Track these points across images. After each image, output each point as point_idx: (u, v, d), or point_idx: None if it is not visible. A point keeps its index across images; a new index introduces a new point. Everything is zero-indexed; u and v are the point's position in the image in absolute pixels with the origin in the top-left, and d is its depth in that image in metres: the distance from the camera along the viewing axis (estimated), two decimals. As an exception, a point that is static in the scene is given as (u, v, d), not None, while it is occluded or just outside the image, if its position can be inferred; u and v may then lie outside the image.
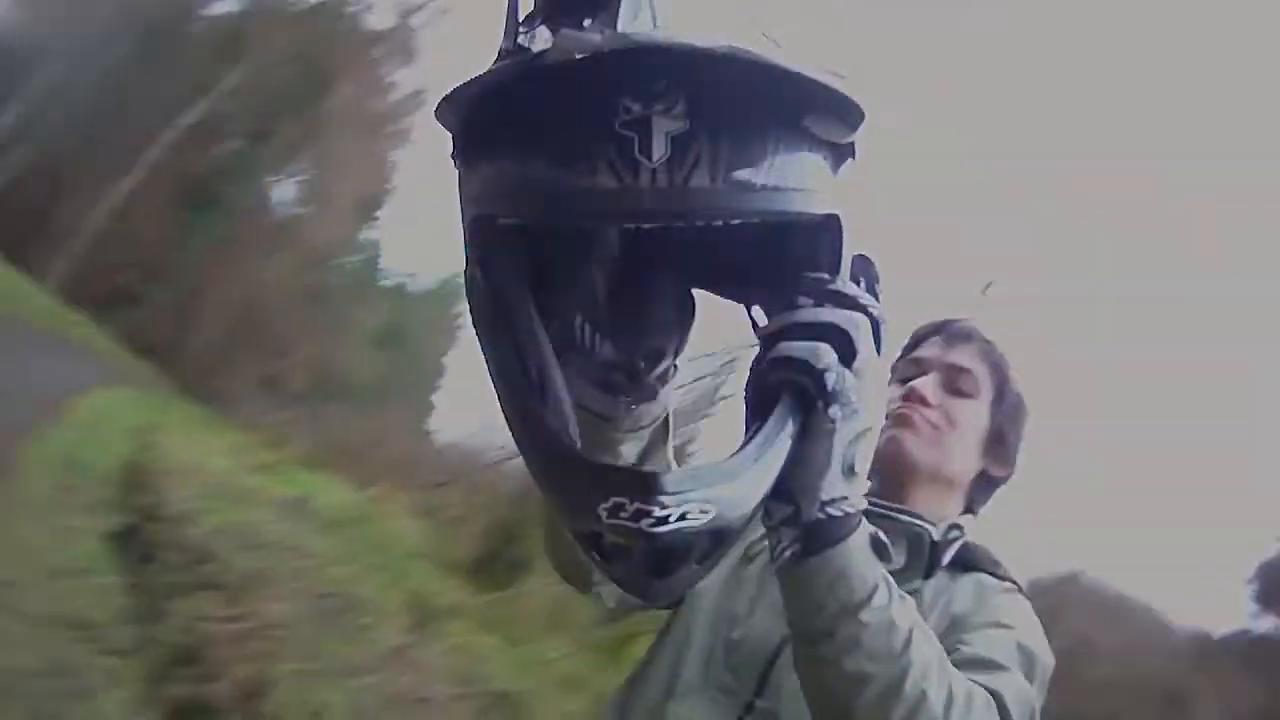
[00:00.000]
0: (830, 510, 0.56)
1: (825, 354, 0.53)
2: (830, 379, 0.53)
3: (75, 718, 2.19)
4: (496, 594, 6.69)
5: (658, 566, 0.52)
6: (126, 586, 3.02)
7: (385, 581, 4.90)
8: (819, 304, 0.55)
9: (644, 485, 0.49)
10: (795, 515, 0.56)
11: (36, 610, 2.48)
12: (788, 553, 0.57)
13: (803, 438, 0.54)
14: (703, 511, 0.49)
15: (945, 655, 0.64)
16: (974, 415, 0.87)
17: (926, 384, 0.86)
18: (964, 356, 0.89)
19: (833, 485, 0.56)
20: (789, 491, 0.55)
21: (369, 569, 4.94)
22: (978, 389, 0.88)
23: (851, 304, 0.55)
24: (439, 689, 3.54)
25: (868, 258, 0.59)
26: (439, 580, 6.31)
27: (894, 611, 0.59)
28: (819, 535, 0.57)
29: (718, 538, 0.52)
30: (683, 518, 0.48)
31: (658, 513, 0.48)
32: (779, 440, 0.53)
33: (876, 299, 0.56)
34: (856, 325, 0.54)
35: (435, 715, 3.37)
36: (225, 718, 2.51)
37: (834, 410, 0.54)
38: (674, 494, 0.48)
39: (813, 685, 0.62)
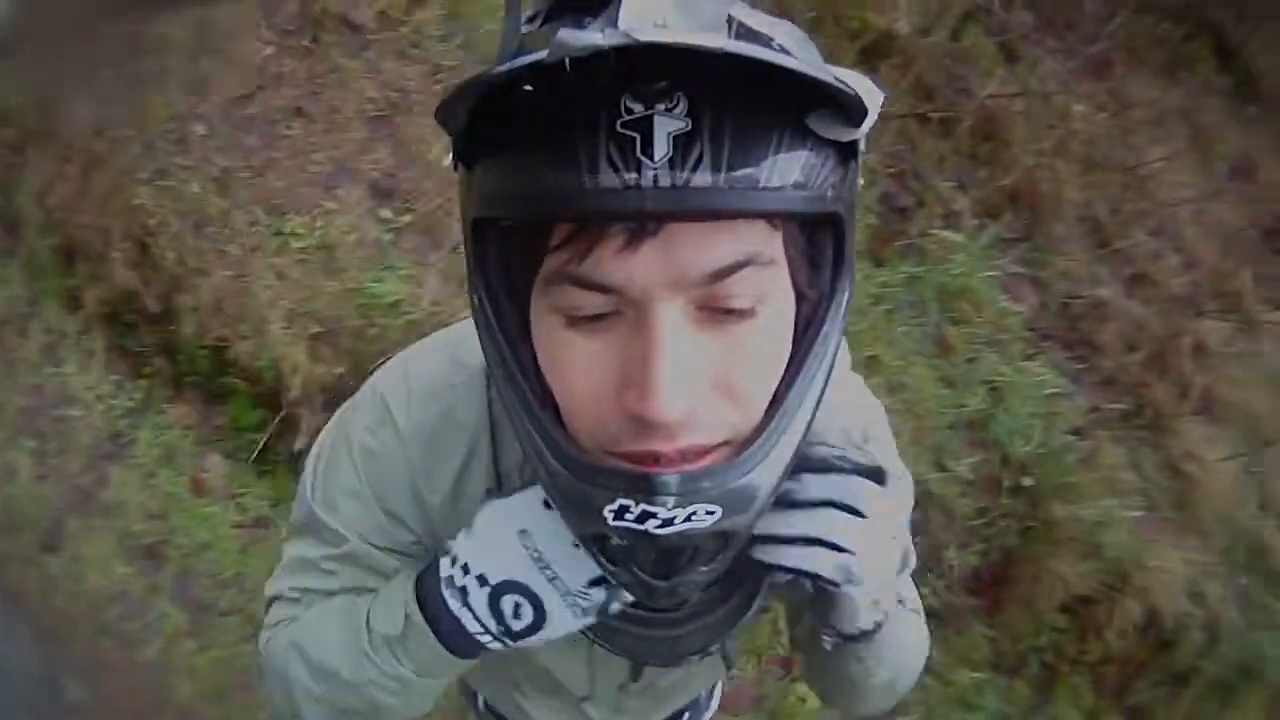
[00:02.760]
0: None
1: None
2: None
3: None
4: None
5: (663, 569, 0.52)
6: None
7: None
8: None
9: (649, 486, 0.47)
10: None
11: None
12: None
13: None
14: (709, 513, 0.48)
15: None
16: None
17: None
18: None
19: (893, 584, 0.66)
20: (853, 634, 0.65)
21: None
22: None
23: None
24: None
25: None
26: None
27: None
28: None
29: (724, 540, 0.51)
30: (689, 519, 0.48)
31: (663, 514, 0.47)
32: (786, 438, 0.51)
33: None
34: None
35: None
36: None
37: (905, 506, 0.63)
38: (680, 495, 0.47)
39: (836, 680, 0.74)
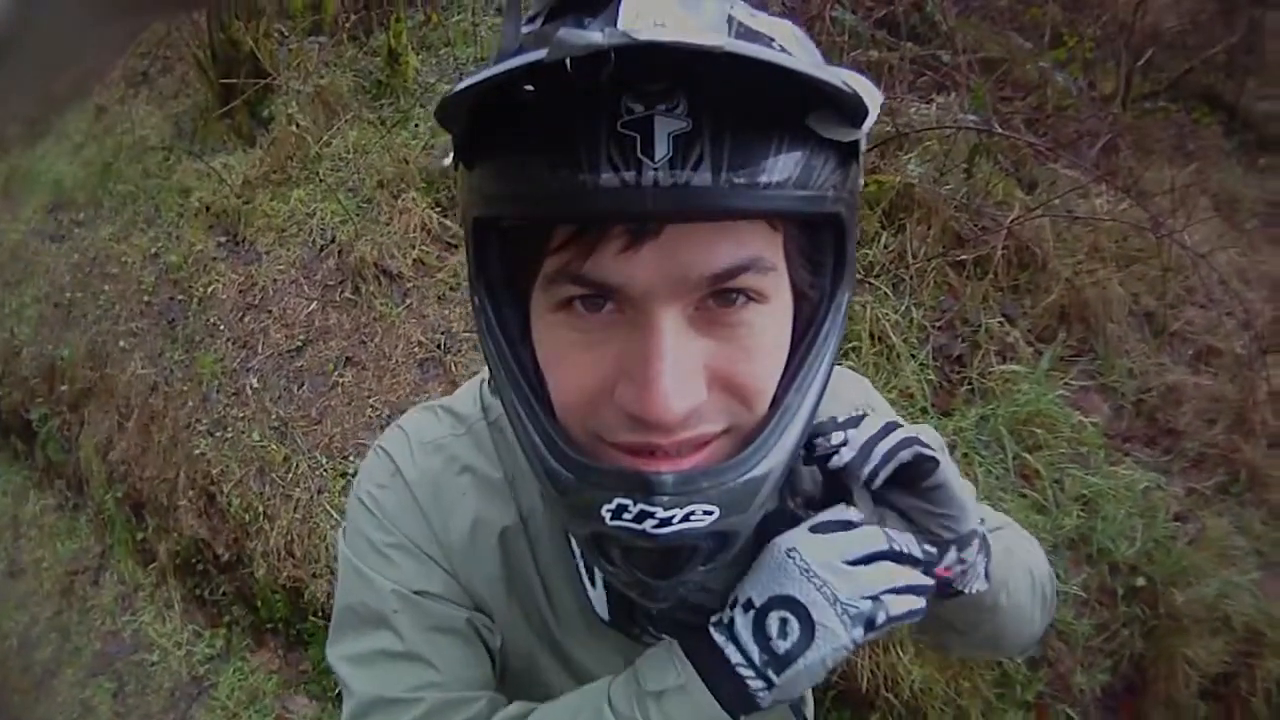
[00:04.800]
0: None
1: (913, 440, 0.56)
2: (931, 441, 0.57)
3: None
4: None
5: (661, 569, 0.50)
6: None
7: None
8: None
9: (647, 486, 0.47)
10: (978, 543, 0.59)
11: None
12: (985, 571, 0.61)
13: (938, 489, 0.57)
14: (706, 513, 0.47)
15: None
16: None
17: None
18: None
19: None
20: (971, 533, 0.58)
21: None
22: None
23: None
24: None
25: None
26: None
27: None
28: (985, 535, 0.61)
29: (722, 539, 0.50)
30: (686, 519, 0.47)
31: (661, 514, 0.47)
32: (785, 436, 0.51)
33: None
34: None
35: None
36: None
37: (943, 454, 0.57)
38: (678, 495, 0.47)
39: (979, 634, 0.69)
